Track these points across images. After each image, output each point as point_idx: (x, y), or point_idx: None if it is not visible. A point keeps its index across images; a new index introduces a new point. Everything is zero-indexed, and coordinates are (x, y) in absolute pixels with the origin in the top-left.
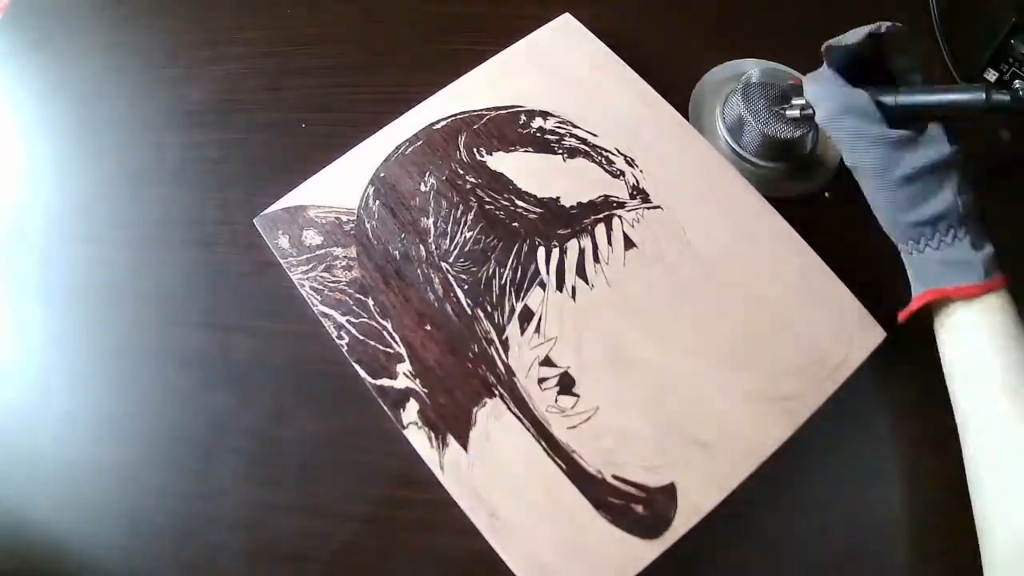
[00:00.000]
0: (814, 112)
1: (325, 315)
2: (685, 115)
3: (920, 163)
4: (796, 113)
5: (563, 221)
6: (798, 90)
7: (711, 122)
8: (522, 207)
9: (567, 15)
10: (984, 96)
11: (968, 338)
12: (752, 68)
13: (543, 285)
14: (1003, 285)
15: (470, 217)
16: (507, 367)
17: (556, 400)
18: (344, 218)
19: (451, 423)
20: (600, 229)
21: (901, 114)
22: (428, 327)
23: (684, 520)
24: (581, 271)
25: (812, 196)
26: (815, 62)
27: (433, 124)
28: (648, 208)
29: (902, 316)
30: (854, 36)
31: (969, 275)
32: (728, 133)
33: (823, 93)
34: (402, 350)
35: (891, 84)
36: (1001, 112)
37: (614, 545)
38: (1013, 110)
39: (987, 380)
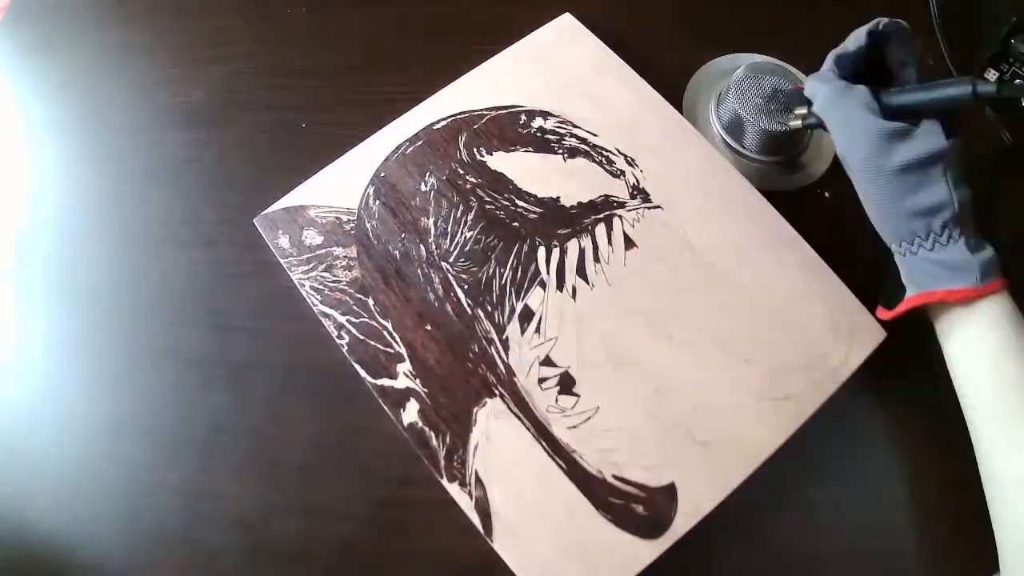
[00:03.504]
0: (810, 108)
1: (325, 315)
2: (680, 111)
3: (913, 154)
4: (798, 123)
5: (563, 221)
6: (801, 98)
7: (706, 118)
8: (522, 207)
9: (567, 15)
10: (971, 88)
11: (965, 342)
12: (744, 63)
13: (543, 285)
14: (1001, 288)
15: (470, 217)
16: (507, 367)
17: (556, 400)
18: (344, 218)
19: (451, 423)
20: (600, 229)
21: (895, 114)
22: (428, 327)
23: (684, 520)
24: (581, 271)
25: (809, 189)
26: (811, 55)
27: (433, 124)
28: (648, 208)
29: (886, 315)
30: (855, 41)
31: (964, 278)
32: (723, 129)
33: (822, 84)
34: (402, 350)
35: (886, 84)
36: (989, 101)
37: (614, 545)
38: (1000, 98)
39: (982, 387)
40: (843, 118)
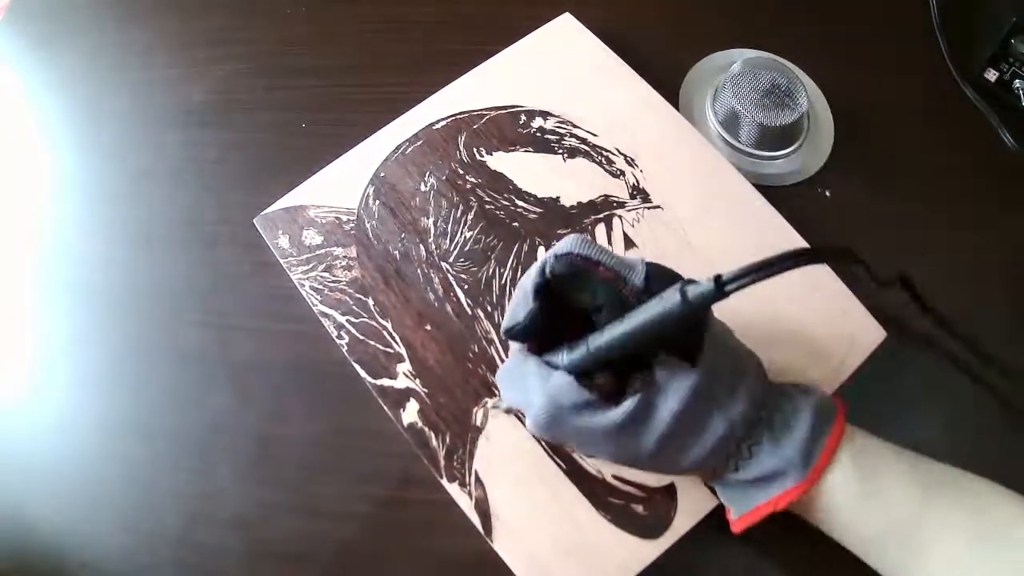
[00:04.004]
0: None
1: (325, 315)
2: (676, 107)
3: (672, 408)
4: (503, 407)
5: (563, 221)
6: (797, 91)
7: (702, 113)
8: (522, 207)
9: (567, 15)
10: (679, 299)
11: (828, 523)
12: (740, 58)
13: None
14: (830, 459)
15: (470, 217)
16: None
17: None
18: (344, 218)
19: (451, 423)
20: (600, 229)
21: (606, 359)
22: (428, 327)
23: (684, 520)
24: None
25: (809, 189)
26: (810, 51)
27: (433, 124)
28: (648, 208)
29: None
30: (523, 307)
31: (786, 481)
32: (720, 126)
33: (521, 392)
34: (402, 350)
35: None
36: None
37: (614, 545)
38: (722, 295)
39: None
40: (573, 432)
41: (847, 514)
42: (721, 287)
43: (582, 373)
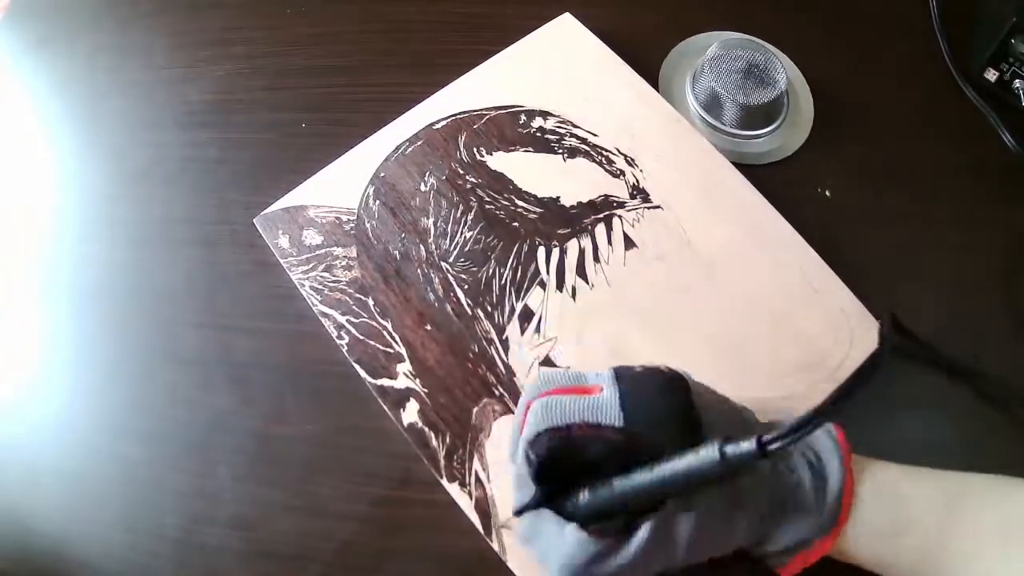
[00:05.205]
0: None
1: (325, 315)
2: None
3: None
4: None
5: (563, 221)
6: (774, 70)
7: (682, 97)
8: (522, 207)
9: (567, 15)
10: (718, 458)
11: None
12: (716, 40)
13: (543, 285)
14: (846, 517)
15: (470, 217)
16: (507, 367)
17: None
18: (344, 218)
19: (451, 423)
20: (600, 229)
21: (631, 506)
22: (428, 327)
23: None
24: (581, 271)
25: (809, 190)
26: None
27: (433, 124)
28: (648, 208)
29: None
30: (527, 490)
31: (812, 541)
32: (701, 107)
33: (540, 549)
34: (402, 350)
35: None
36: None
37: None
38: (763, 457)
39: None
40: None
41: (881, 550)
42: (763, 448)
43: (602, 515)
